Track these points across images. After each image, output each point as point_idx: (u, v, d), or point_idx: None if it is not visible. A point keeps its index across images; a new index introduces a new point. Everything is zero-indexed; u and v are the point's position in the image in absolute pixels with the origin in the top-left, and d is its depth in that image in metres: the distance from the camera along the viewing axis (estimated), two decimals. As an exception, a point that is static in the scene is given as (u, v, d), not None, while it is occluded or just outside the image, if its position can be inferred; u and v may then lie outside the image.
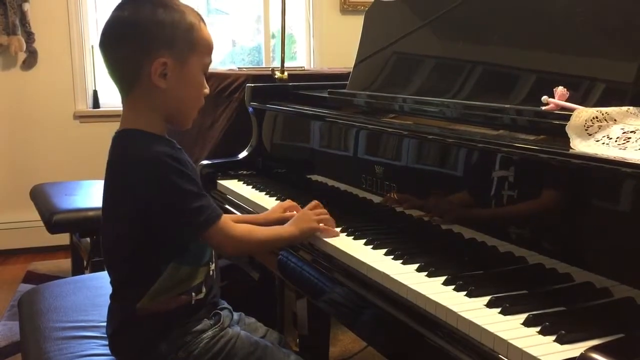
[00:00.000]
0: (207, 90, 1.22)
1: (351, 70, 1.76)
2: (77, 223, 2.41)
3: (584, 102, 1.06)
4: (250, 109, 2.01)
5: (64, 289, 1.61)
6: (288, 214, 1.38)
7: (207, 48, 1.20)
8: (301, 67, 3.65)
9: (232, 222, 1.21)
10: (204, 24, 1.21)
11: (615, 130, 0.93)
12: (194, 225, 1.14)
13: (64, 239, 2.88)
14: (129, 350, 1.19)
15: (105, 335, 1.26)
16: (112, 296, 1.22)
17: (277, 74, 2.14)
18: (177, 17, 1.15)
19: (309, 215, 1.30)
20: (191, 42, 1.16)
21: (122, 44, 1.14)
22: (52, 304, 1.50)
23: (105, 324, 1.25)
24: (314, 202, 1.34)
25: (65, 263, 3.16)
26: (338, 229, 1.30)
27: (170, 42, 1.14)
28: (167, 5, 1.15)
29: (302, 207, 1.38)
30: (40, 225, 2.47)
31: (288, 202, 1.42)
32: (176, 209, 1.12)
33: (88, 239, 2.45)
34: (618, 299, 0.87)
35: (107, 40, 1.16)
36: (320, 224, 1.28)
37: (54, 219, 2.36)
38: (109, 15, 1.17)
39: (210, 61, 1.22)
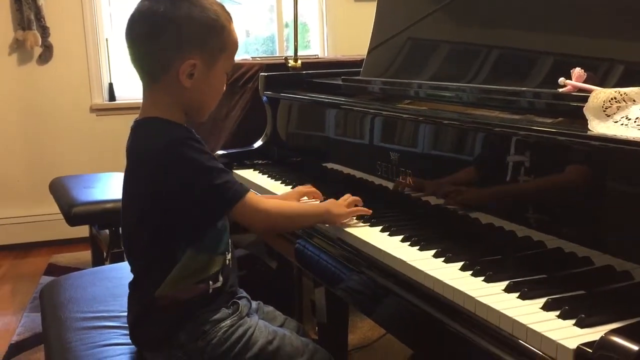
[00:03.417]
0: (224, 86, 1.23)
1: (365, 57, 1.75)
2: (96, 215, 2.43)
3: (601, 84, 1.04)
4: (265, 98, 2.01)
5: (85, 280, 1.63)
6: (305, 200, 1.39)
7: (234, 50, 1.21)
8: (315, 55, 3.64)
9: (260, 196, 1.20)
10: (233, 25, 1.20)
11: (634, 111, 0.91)
12: (223, 201, 1.14)
13: (83, 231, 2.91)
14: (148, 339, 1.21)
15: (126, 325, 1.27)
16: (132, 284, 1.23)
17: (291, 63, 2.13)
18: (212, 19, 1.14)
19: (341, 202, 1.28)
20: (222, 45, 1.16)
21: (154, 38, 1.13)
22: (73, 295, 1.52)
23: (125, 313, 1.27)
24: (346, 195, 1.30)
25: (86, 255, 3.20)
26: (354, 217, 1.29)
27: (202, 44, 1.14)
28: (203, 5, 1.14)
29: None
30: (60, 218, 2.50)
31: (306, 188, 1.42)
32: (203, 186, 1.12)
33: (107, 231, 2.47)
34: (639, 282, 0.86)
35: (137, 32, 1.14)
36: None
37: (73, 212, 2.39)
38: (140, 5, 1.14)
39: (234, 62, 1.23)
